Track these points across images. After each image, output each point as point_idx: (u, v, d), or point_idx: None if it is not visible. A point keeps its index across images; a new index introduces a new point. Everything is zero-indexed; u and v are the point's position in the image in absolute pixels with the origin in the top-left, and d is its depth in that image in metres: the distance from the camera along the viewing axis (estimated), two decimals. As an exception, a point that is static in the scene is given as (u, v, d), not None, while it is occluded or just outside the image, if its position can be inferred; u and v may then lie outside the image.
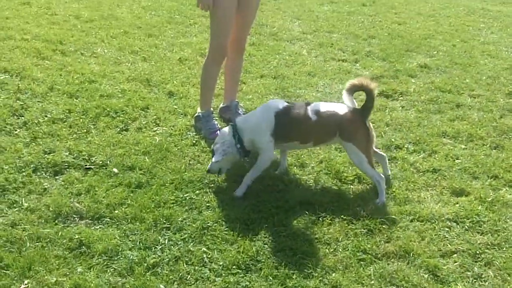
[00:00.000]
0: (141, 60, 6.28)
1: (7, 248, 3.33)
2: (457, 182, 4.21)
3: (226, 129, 4.06)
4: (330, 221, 3.68)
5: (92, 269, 3.20)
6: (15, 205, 3.73)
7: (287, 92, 5.64)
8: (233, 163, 4.07)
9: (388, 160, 4.42)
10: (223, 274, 3.20)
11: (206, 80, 4.77)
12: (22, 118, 4.73)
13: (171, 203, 3.78)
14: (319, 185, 4.08)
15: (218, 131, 4.55)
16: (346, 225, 3.65)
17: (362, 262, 3.35)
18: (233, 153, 3.98)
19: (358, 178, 4.19)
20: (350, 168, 4.30)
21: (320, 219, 3.70)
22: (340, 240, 3.52)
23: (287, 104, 4.00)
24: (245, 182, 3.95)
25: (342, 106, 3.98)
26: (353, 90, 4.00)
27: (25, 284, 3.08)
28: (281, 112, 3.93)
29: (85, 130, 4.61)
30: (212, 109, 4.83)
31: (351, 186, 4.10)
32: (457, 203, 3.96)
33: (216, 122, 4.74)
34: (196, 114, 4.85)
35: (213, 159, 3.96)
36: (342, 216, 3.73)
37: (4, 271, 3.15)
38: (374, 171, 3.96)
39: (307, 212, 3.76)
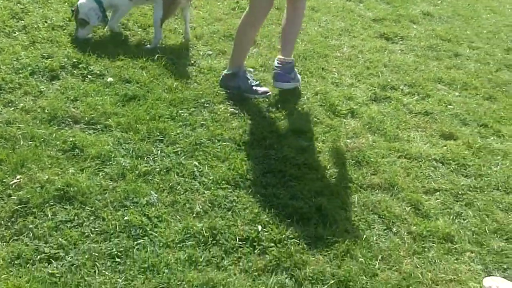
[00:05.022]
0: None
1: (1, 144, 3.37)
2: (447, 126, 4.28)
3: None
4: (320, 150, 3.75)
5: (84, 171, 3.26)
6: (10, 104, 3.76)
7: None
8: None
9: (383, 99, 4.50)
10: (212, 188, 3.28)
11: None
12: (22, 21, 4.69)
13: (165, 118, 3.82)
14: (312, 116, 4.13)
15: (259, 86, 4.31)
16: (335, 154, 3.72)
17: (347, 190, 3.44)
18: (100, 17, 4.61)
19: (351, 113, 4.24)
20: (345, 102, 4.35)
21: (310, 147, 3.77)
22: (328, 168, 3.60)
23: None
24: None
25: None
26: None
27: (17, 179, 3.13)
28: None
29: (84, 40, 4.59)
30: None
31: (344, 120, 4.16)
32: (445, 146, 4.04)
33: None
34: (229, 72, 4.28)
35: (91, 23, 4.58)
36: (332, 146, 3.80)
37: (-2, 165, 3.21)
38: (160, 31, 4.72)
39: (298, 139, 3.83)
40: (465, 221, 3.36)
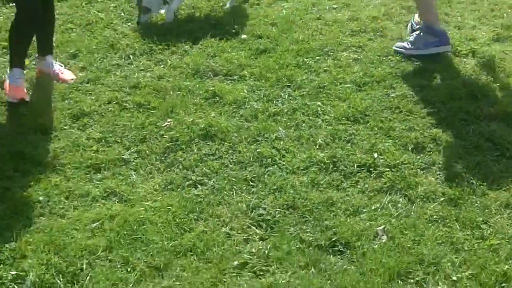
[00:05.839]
0: None
1: (153, 94, 3.97)
2: None
3: None
4: (437, 86, 3.97)
5: (222, 114, 3.76)
6: (160, 62, 4.38)
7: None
8: None
9: (506, 38, 4.59)
10: (333, 124, 3.64)
11: None
12: None
13: (292, 66, 4.23)
14: (432, 57, 4.32)
15: None
16: (453, 89, 3.91)
17: (463, 122, 3.63)
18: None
19: (472, 53, 4.37)
20: (466, 43, 4.49)
21: (429, 84, 4.00)
22: (445, 102, 3.80)
23: None
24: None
25: None
26: None
27: (168, 122, 3.70)
28: None
29: (221, 4, 5.11)
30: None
31: (464, 59, 4.31)
32: None
33: None
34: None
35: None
36: (450, 82, 4.00)
37: (152, 111, 3.80)
38: None
39: (417, 78, 4.06)
40: None
